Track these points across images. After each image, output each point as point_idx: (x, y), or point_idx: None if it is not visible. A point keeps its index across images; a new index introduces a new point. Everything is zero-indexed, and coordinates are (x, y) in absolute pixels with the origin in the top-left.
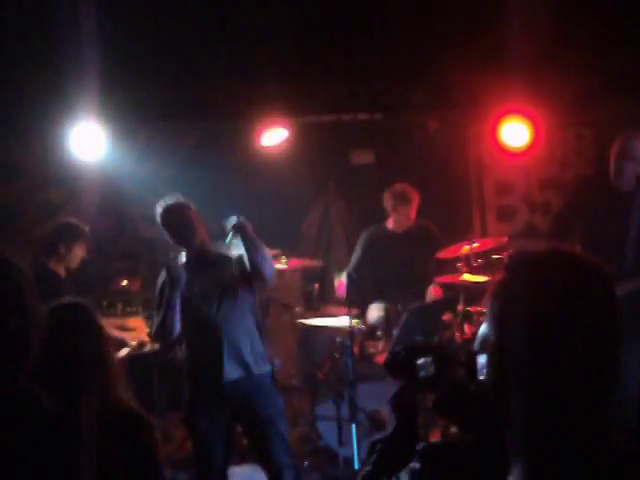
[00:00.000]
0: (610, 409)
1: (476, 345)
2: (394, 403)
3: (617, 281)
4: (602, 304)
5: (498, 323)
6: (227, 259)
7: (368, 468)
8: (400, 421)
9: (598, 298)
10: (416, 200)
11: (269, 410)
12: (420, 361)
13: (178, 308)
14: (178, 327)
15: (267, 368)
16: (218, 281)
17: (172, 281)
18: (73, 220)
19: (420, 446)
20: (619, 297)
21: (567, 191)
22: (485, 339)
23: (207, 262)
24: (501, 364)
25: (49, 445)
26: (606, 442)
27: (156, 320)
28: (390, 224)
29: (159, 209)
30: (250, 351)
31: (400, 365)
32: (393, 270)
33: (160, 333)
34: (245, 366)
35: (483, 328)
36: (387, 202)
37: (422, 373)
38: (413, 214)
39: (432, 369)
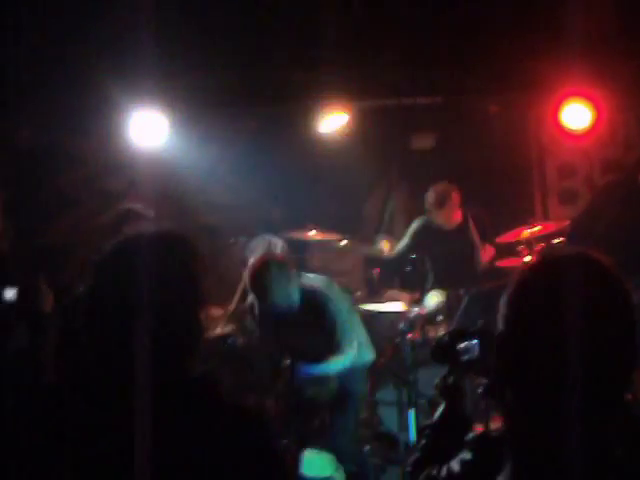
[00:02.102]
0: (617, 423)
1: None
2: (440, 387)
3: None
4: (624, 319)
5: (514, 320)
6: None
7: (417, 454)
8: (447, 405)
9: (620, 312)
10: (454, 201)
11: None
12: (462, 345)
13: None
14: None
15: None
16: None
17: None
18: (137, 205)
19: (470, 436)
20: None
21: (592, 195)
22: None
23: (285, 321)
24: (509, 362)
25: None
26: (606, 454)
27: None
28: (439, 221)
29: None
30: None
31: (443, 350)
32: (447, 263)
33: None
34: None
35: None
36: (426, 203)
37: (465, 357)
38: (453, 215)
39: (476, 352)
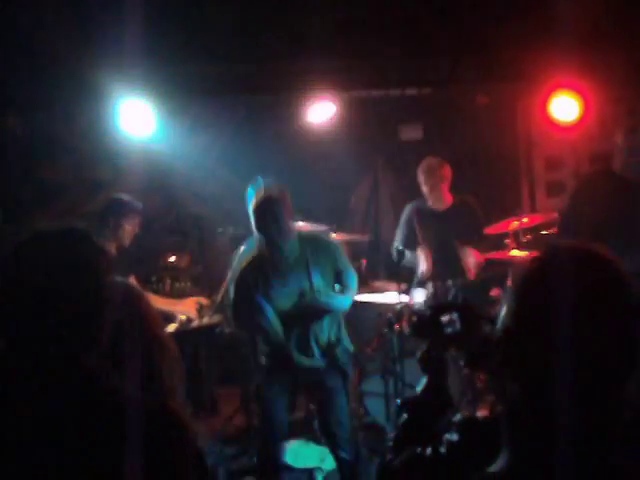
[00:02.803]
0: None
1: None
2: (423, 360)
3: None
4: (627, 312)
5: (521, 313)
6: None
7: (399, 431)
8: (430, 379)
9: (622, 305)
10: (443, 172)
11: (332, 383)
12: (445, 318)
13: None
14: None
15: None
16: (298, 285)
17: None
18: (125, 196)
19: (458, 418)
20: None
21: (576, 185)
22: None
23: (289, 264)
24: (514, 354)
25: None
26: (603, 447)
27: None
28: (430, 201)
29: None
30: (321, 338)
31: (426, 324)
32: (438, 248)
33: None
34: (315, 353)
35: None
36: (418, 178)
37: (448, 330)
38: (444, 185)
39: (458, 325)
